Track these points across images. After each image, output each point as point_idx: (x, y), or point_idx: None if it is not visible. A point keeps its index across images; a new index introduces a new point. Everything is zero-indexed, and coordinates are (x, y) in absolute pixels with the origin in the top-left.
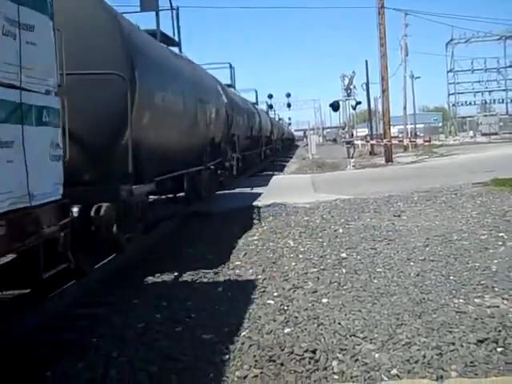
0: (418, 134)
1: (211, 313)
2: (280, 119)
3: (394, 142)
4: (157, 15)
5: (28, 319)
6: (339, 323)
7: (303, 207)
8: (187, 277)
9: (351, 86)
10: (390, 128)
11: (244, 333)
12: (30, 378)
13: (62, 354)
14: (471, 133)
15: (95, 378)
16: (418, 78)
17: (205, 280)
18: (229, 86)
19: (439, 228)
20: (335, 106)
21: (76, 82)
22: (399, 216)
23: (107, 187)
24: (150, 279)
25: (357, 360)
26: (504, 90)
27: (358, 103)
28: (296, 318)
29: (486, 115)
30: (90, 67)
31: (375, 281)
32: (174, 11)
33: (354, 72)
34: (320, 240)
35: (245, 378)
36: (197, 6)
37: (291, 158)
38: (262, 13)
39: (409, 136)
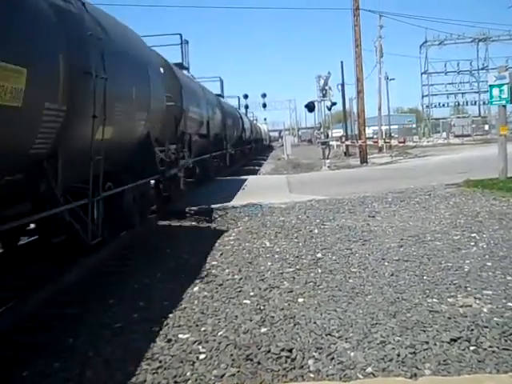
0: (392, 135)
1: (188, 313)
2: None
3: (369, 142)
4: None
5: None
6: (315, 322)
7: (279, 207)
8: (163, 276)
9: (326, 87)
10: (364, 129)
11: (221, 332)
12: None
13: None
14: (444, 134)
15: None
16: (393, 79)
17: (181, 279)
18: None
19: (413, 228)
20: (310, 107)
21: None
22: (374, 217)
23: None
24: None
25: (332, 359)
26: (476, 92)
27: (334, 104)
28: (272, 317)
29: (459, 117)
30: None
31: (350, 280)
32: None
33: (329, 73)
34: (296, 240)
35: (222, 376)
36: (170, 6)
37: (267, 158)
38: (237, 13)
39: (383, 137)
